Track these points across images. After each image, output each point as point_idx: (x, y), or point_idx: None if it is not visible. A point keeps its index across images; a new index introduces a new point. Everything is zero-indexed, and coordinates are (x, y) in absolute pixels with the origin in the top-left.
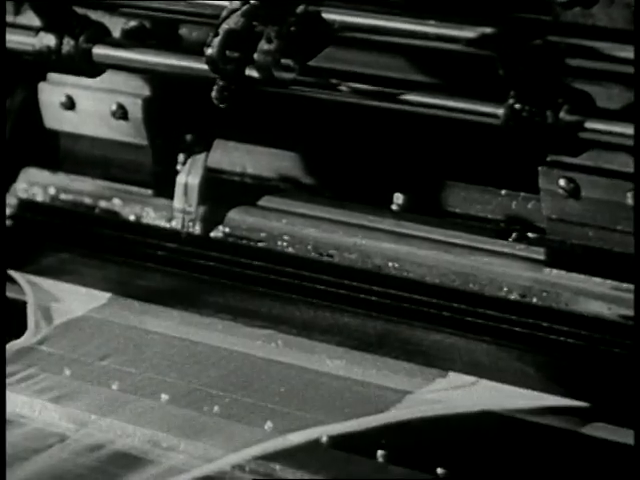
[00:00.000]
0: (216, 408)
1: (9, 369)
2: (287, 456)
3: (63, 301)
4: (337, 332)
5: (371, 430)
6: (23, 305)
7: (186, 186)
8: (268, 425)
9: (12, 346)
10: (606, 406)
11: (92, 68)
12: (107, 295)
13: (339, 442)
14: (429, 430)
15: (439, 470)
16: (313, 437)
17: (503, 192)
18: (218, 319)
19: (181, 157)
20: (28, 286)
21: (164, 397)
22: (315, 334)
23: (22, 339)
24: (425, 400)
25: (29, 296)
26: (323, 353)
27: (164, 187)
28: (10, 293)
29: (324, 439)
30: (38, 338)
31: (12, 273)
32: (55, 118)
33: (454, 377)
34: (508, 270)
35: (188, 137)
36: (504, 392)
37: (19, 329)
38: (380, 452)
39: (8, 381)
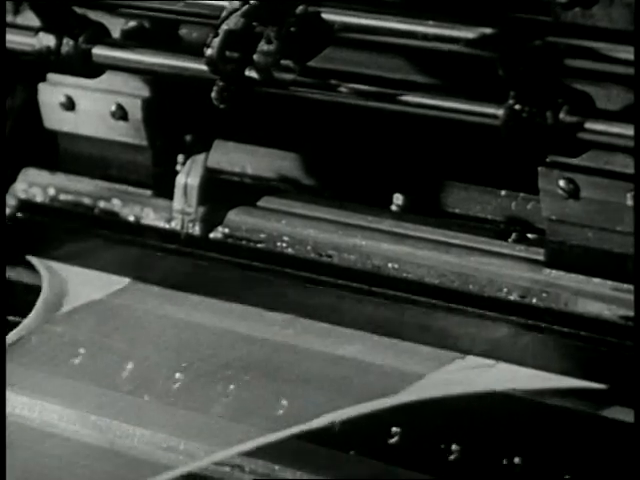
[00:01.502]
0: (231, 387)
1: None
2: (287, 456)
3: (79, 285)
4: (355, 316)
5: (387, 410)
6: (39, 290)
7: (186, 187)
8: (282, 403)
9: (23, 328)
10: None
11: (91, 69)
12: (126, 280)
13: (354, 422)
14: (445, 409)
15: (454, 446)
16: (328, 419)
17: (503, 193)
18: (236, 304)
19: (181, 158)
20: (45, 271)
21: (178, 376)
22: (333, 319)
23: (32, 320)
24: (442, 381)
25: (45, 280)
26: (341, 337)
27: (164, 188)
28: (27, 279)
29: (339, 421)
30: (53, 320)
31: (30, 258)
32: (55, 119)
33: (472, 360)
34: (508, 271)
35: (188, 138)
36: (522, 374)
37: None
38: (395, 429)
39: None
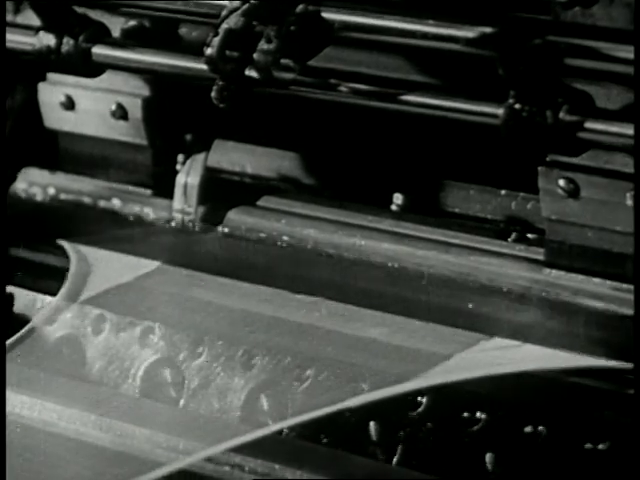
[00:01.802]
0: (255, 361)
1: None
2: (287, 455)
3: (108, 269)
4: (382, 299)
5: (414, 392)
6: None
7: (186, 186)
8: (308, 373)
9: (49, 310)
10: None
11: (92, 68)
12: (155, 263)
13: (379, 404)
14: (471, 389)
15: (478, 414)
16: (351, 403)
17: (503, 192)
18: (264, 287)
19: (181, 157)
20: (74, 254)
21: (200, 354)
22: (359, 301)
23: (59, 302)
24: (468, 362)
25: (73, 263)
26: (367, 320)
27: (164, 187)
28: (58, 262)
29: (364, 402)
30: (79, 302)
31: (60, 241)
32: (55, 118)
33: (498, 341)
34: (508, 270)
35: (188, 137)
36: (547, 354)
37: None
38: (419, 398)
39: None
